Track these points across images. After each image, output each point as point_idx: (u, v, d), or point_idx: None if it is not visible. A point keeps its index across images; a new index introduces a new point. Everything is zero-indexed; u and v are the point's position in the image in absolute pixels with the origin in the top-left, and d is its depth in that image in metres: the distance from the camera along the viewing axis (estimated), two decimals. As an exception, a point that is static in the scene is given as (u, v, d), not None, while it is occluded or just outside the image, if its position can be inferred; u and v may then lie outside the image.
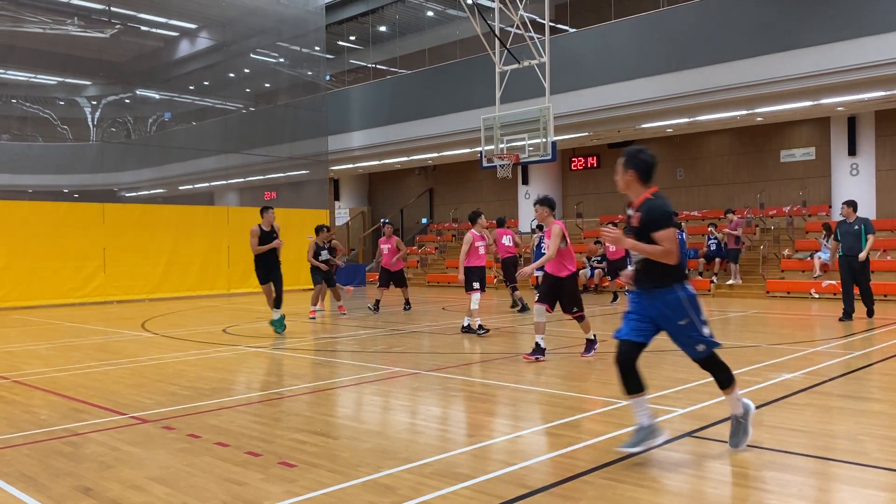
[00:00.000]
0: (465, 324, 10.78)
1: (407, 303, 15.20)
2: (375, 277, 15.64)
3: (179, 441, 4.93)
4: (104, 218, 18.71)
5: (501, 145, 16.18)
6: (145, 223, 19.34)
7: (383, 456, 4.50)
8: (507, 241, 14.16)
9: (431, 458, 4.43)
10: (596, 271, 19.55)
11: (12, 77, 28.07)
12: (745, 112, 18.50)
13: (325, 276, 13.96)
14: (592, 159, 24.83)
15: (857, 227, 11.43)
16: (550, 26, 16.24)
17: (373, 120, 24.92)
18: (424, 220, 30.19)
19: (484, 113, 16.94)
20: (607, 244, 16.99)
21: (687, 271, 18.06)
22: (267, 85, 30.93)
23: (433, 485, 3.91)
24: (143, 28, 27.19)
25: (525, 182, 25.37)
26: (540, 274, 8.80)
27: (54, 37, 25.70)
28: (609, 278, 17.77)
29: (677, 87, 17.61)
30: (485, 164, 16.59)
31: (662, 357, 7.96)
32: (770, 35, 16.37)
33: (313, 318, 13.57)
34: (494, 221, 14.98)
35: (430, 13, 27.56)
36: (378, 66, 29.41)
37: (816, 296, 16.57)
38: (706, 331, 4.37)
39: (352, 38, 29.92)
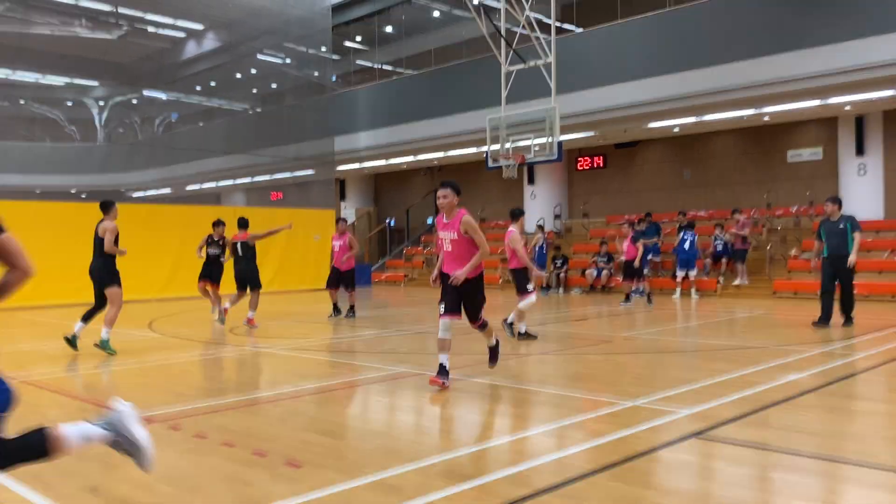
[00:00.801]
0: (523, 330, 10.07)
1: (351, 309, 13.48)
2: (381, 278, 15.58)
3: (186, 441, 4.94)
4: (111, 218, 18.76)
5: (507, 145, 16.17)
6: (152, 223, 19.35)
7: (389, 456, 4.50)
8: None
9: (437, 458, 4.43)
10: (603, 272, 19.52)
11: (20, 78, 28.24)
12: (752, 112, 18.45)
13: (208, 273, 13.06)
14: (599, 159, 24.80)
15: (842, 225, 10.56)
16: (557, 26, 16.24)
17: (379, 120, 24.95)
18: (430, 220, 30.20)
19: (490, 113, 16.95)
20: (618, 244, 16.95)
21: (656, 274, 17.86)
22: (273, 86, 31.03)
23: (439, 485, 3.91)
24: (150, 29, 27.29)
25: (531, 182, 25.36)
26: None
27: (62, 38, 25.85)
28: (620, 279, 17.68)
29: (684, 88, 17.58)
30: (491, 164, 16.59)
31: (666, 357, 7.94)
32: (778, 35, 16.32)
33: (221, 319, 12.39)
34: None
35: (435, 14, 27.57)
36: (384, 67, 29.44)
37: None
38: None
39: (358, 38, 29.96)
